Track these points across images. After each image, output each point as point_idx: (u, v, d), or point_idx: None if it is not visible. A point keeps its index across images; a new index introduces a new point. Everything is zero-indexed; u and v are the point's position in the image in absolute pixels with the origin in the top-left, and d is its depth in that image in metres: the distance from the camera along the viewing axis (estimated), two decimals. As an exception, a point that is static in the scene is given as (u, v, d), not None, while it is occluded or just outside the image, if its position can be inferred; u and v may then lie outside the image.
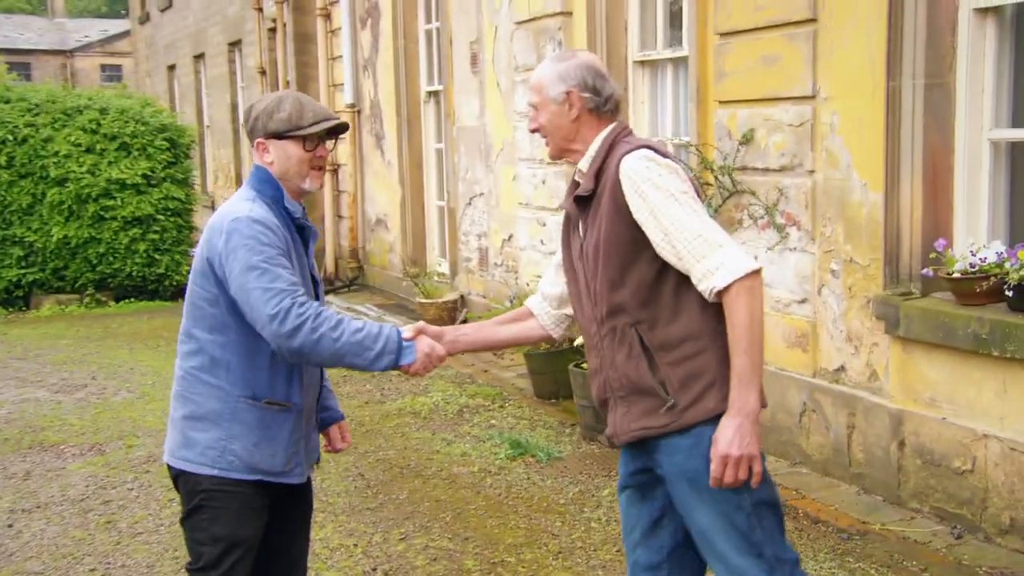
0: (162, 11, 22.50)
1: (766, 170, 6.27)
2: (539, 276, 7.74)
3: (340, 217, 13.56)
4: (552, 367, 7.52)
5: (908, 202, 5.27)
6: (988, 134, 5.11)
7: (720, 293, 2.78)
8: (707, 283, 2.79)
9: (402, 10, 11.65)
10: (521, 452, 6.32)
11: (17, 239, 12.45)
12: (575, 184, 3.10)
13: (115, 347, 10.13)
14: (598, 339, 2.99)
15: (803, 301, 5.96)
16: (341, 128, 3.16)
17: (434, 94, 11.49)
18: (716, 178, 6.59)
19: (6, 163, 12.39)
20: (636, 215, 2.86)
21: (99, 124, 12.81)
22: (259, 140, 3.08)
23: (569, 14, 8.26)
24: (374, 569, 4.71)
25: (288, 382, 3.10)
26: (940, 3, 5.10)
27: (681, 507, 2.94)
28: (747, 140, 6.37)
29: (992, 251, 4.87)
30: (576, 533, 5.07)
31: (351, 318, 2.98)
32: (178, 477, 3.13)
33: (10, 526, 5.38)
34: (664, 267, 2.89)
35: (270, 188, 3.09)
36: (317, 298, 3.19)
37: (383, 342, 2.93)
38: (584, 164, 3.02)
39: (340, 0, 12.86)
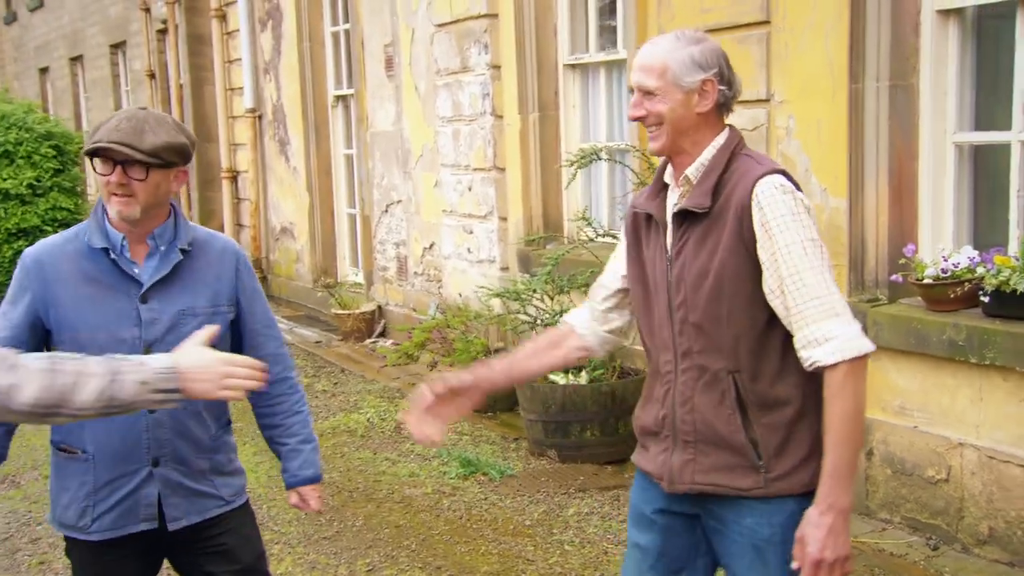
0: (32, 11, 21.55)
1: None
2: (484, 288, 7.58)
3: (241, 226, 13.13)
4: (488, 380, 7.32)
5: (873, 207, 5.23)
6: (952, 137, 5.11)
7: (824, 369, 2.44)
8: (810, 352, 2.44)
9: (306, 11, 11.32)
10: (472, 470, 6.12)
11: None
12: (660, 186, 2.69)
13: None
14: (672, 371, 2.60)
15: (762, 308, 5.90)
16: (116, 155, 2.68)
17: (343, 98, 11.19)
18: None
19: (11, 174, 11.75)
20: (760, 250, 2.47)
21: (-22, 131, 12.13)
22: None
23: (495, 16, 8.09)
24: (347, 605, 4.46)
25: (80, 424, 2.72)
26: (903, 5, 5.07)
27: (735, 567, 2.63)
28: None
29: (964, 256, 4.86)
30: (552, 558, 4.89)
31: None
32: None
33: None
34: (775, 315, 2.52)
35: (93, 215, 2.86)
36: (144, 342, 2.80)
37: None
38: (693, 172, 2.58)
39: (237, 1, 12.44)
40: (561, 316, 6.54)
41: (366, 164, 10.37)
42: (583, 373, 6.56)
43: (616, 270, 2.85)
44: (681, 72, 2.51)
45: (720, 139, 2.60)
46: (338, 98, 11.27)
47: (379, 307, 10.19)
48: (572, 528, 5.27)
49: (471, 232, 8.57)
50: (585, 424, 6.37)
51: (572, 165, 6.73)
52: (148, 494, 2.85)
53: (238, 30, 12.52)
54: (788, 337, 2.51)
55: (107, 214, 2.80)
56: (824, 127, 5.43)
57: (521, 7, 7.80)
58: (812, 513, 2.44)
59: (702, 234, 2.54)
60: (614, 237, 7.00)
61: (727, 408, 2.52)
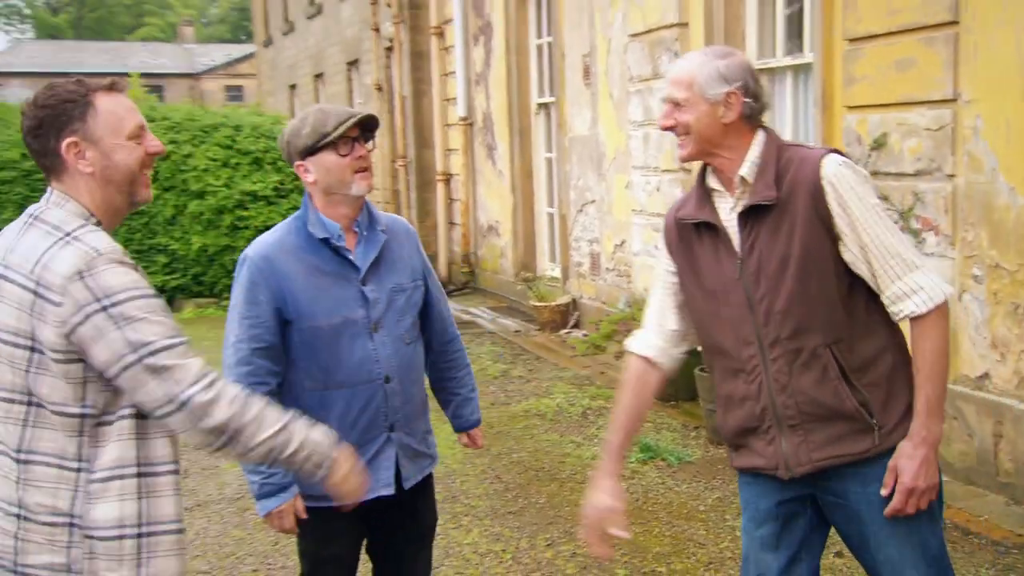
0: (284, 35, 22.55)
1: (900, 175, 5.77)
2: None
3: (452, 224, 13.28)
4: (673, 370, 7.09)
5: (1062, 206, 4.74)
6: None
7: (915, 318, 2.44)
8: (901, 306, 2.45)
9: (514, 26, 11.32)
10: (651, 456, 5.91)
11: (161, 247, 12.45)
12: (705, 194, 2.60)
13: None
14: (759, 363, 2.50)
15: (943, 307, 5.46)
16: (370, 122, 2.78)
17: (545, 106, 11.13)
18: (844, 183, 6.10)
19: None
20: (837, 223, 2.44)
21: (234, 140, 12.75)
22: (297, 164, 2.77)
23: (685, 25, 7.83)
24: (526, 576, 4.35)
25: (322, 400, 2.84)
26: (1100, 1, 4.57)
27: (866, 537, 2.52)
28: (879, 145, 5.88)
29: None
30: (723, 543, 4.64)
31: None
32: None
33: (171, 523, 5.16)
34: (854, 281, 2.49)
35: (302, 210, 2.84)
36: (371, 319, 2.83)
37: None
38: (748, 172, 2.51)
39: (454, 19, 12.59)
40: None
41: (564, 167, 10.28)
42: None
43: (669, 287, 2.72)
44: (707, 85, 2.49)
45: (759, 138, 2.55)
46: (540, 106, 11.22)
47: (573, 300, 10.08)
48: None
49: (658, 230, 8.31)
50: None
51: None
52: (387, 457, 2.87)
53: (453, 45, 12.66)
54: (869, 298, 2.51)
55: (317, 208, 2.80)
56: (1013, 127, 4.95)
57: (711, 15, 7.53)
58: (906, 446, 2.45)
59: (774, 224, 2.49)
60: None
61: (831, 380, 2.47)
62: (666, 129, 2.57)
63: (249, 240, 11.83)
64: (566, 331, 9.80)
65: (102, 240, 2.11)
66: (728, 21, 7.48)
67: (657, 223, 8.36)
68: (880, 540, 2.49)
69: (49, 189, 2.18)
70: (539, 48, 11.18)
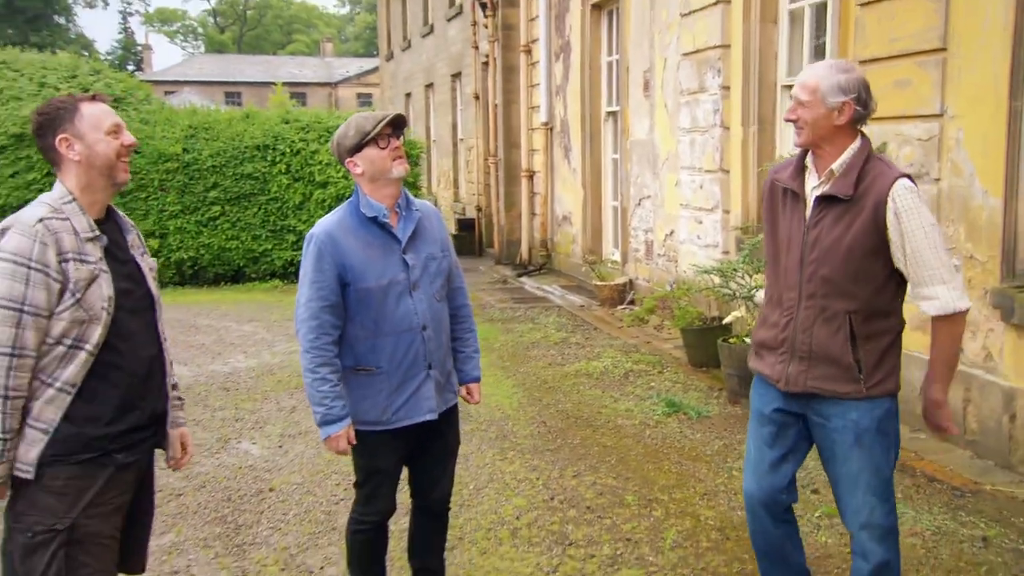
0: (403, 50, 23.04)
1: (895, 178, 5.86)
2: (694, 265, 7.57)
3: (534, 214, 13.57)
4: (704, 340, 7.28)
5: (1026, 207, 4.81)
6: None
7: (933, 318, 2.82)
8: (923, 305, 2.81)
9: (589, 46, 11.51)
10: (675, 410, 6.14)
11: (291, 228, 12.98)
12: (800, 169, 2.92)
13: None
14: (794, 306, 2.87)
15: (926, 291, 5.55)
16: (399, 120, 3.08)
17: (612, 114, 11.32)
18: (851, 185, 6.21)
19: (285, 170, 12.92)
20: (890, 232, 2.75)
21: (350, 139, 13.16)
22: (348, 160, 3.06)
23: (728, 46, 7.96)
24: (552, 498, 4.64)
25: (372, 347, 3.07)
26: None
27: (836, 452, 2.87)
28: (880, 152, 5.96)
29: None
30: (719, 479, 4.87)
31: (327, 377, 3.01)
32: None
33: (280, 447, 5.56)
34: (892, 274, 2.82)
35: (353, 199, 3.12)
36: (411, 281, 3.09)
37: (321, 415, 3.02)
38: (837, 168, 2.80)
39: (540, 39, 12.83)
40: (757, 291, 6.46)
41: (626, 166, 10.47)
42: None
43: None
44: (828, 93, 2.76)
45: (855, 144, 2.82)
46: (608, 114, 11.41)
47: (630, 280, 10.29)
48: (742, 458, 5.20)
49: (701, 222, 8.50)
50: (773, 380, 6.22)
51: (763, 171, 6.55)
52: (427, 390, 3.13)
53: (539, 61, 12.90)
54: (899, 287, 2.84)
55: (366, 194, 3.07)
56: (988, 139, 5.03)
57: (748, 39, 7.65)
58: (933, 392, 2.89)
59: (840, 213, 2.79)
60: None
61: (841, 337, 2.80)
62: (789, 121, 2.86)
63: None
64: (622, 307, 10.02)
65: (35, 211, 2.43)
66: (762, 44, 7.59)
67: (700, 216, 8.53)
68: (846, 455, 2.85)
69: None
70: (609, 64, 11.37)
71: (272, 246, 12.94)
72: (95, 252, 2.47)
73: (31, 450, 2.39)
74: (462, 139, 18.10)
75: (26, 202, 12.55)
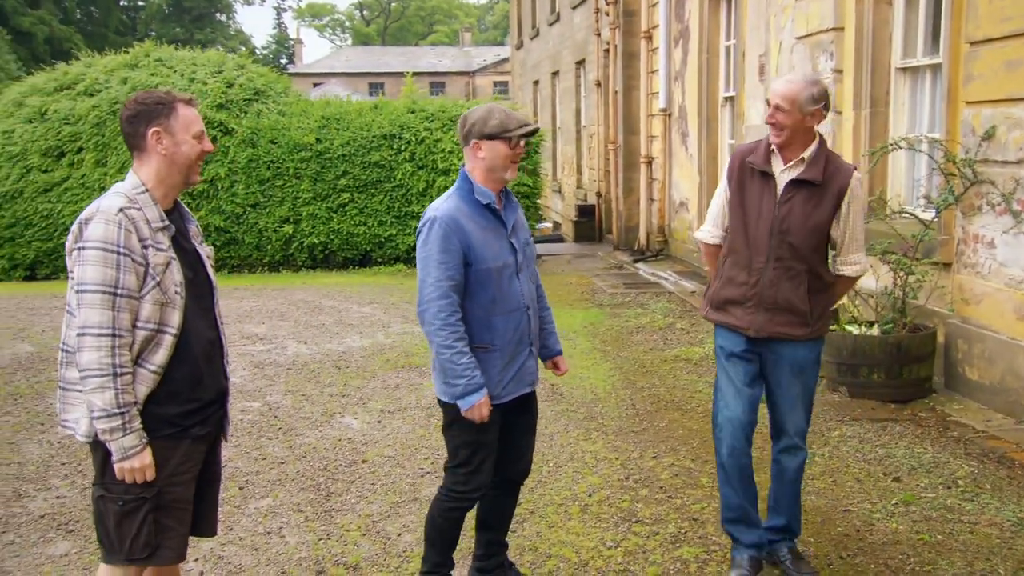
0: (532, 39, 23.25)
1: (1004, 163, 5.63)
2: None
3: (652, 200, 13.51)
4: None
5: None
6: None
7: (846, 277, 3.61)
8: (843, 268, 3.59)
9: (707, 31, 11.37)
10: (769, 396, 6.08)
11: (414, 214, 13.39)
12: (768, 157, 3.47)
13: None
14: (763, 267, 3.47)
15: (1030, 280, 5.33)
16: (535, 132, 3.23)
17: (729, 99, 11.15)
18: (959, 169, 6.00)
19: (410, 157, 13.34)
20: (842, 211, 3.47)
21: (473, 127, 13.45)
22: (475, 141, 3.16)
23: (841, 29, 7.74)
24: (627, 478, 4.73)
25: (487, 326, 3.18)
26: None
27: (783, 380, 3.56)
28: (988, 136, 5.74)
29: None
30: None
31: (464, 350, 3.10)
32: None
33: (379, 422, 5.83)
34: (829, 240, 3.52)
35: (464, 184, 3.21)
36: (517, 264, 3.23)
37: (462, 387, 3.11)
38: (808, 155, 3.42)
39: (659, 24, 12.75)
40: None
41: (740, 152, 10.29)
42: (875, 327, 6.25)
43: (724, 203, 3.63)
44: (804, 104, 3.37)
45: (816, 139, 3.46)
46: (725, 99, 11.24)
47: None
48: (830, 445, 5.14)
49: (868, 223, 8.30)
50: (872, 368, 6.08)
51: (873, 154, 6.39)
52: (530, 364, 3.34)
53: (658, 47, 12.83)
54: (827, 256, 3.56)
55: (473, 185, 3.20)
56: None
57: (862, 20, 7.43)
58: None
59: (808, 195, 3.43)
60: (912, 215, 6.56)
61: (801, 290, 3.47)
62: (770, 124, 3.42)
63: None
64: (734, 293, 9.89)
65: (115, 201, 2.58)
66: (876, 25, 7.36)
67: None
68: (791, 383, 3.57)
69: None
70: (727, 49, 11.20)
71: (396, 231, 13.40)
72: (165, 240, 2.66)
73: None
74: (585, 126, 18.15)
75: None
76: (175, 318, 2.64)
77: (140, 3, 59.32)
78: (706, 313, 3.68)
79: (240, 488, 4.67)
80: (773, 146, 3.45)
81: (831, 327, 6.46)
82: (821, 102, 3.36)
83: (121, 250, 2.55)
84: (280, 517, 4.31)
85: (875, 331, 6.22)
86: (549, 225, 19.94)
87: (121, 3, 56.73)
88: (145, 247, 2.60)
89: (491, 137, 3.13)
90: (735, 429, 3.58)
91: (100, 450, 2.64)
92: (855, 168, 3.50)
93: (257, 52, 66.43)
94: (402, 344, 8.05)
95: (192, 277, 2.74)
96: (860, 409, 5.83)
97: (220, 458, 2.99)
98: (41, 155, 13.45)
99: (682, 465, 4.89)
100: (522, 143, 3.19)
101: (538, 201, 14.16)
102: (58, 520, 4.29)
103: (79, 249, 2.55)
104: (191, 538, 2.85)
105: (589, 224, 16.05)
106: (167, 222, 2.69)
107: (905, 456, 4.95)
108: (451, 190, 3.26)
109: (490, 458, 3.29)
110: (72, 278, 2.58)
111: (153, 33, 54.69)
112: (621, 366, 7.11)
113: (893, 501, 4.34)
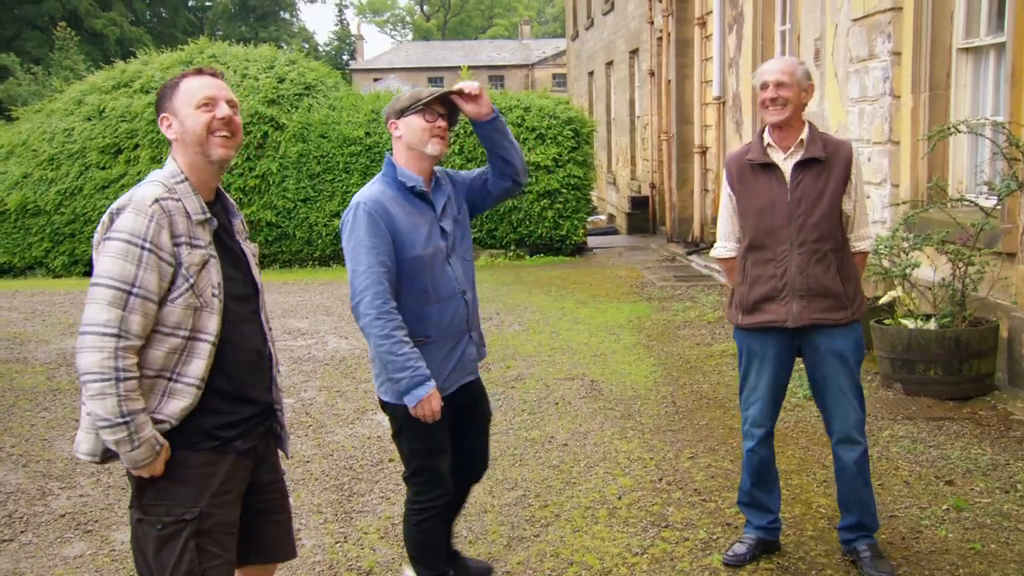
0: (586, 29, 22.98)
1: (1069, 145, 5.26)
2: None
3: (706, 191, 13.18)
4: (860, 322, 6.83)
5: None
6: None
7: (861, 253, 3.58)
8: (858, 244, 3.55)
9: (761, 16, 11.01)
10: (818, 394, 5.80)
11: (462, 207, 13.30)
12: (763, 149, 3.48)
13: (519, 291, 10.49)
14: (788, 255, 3.42)
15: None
16: (452, 105, 3.09)
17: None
18: (1023, 153, 5.63)
19: (459, 150, 13.24)
20: (852, 181, 3.48)
21: (523, 119, 13.30)
22: (392, 122, 3.06)
23: (899, 9, 7.37)
24: (660, 479, 4.52)
25: (422, 319, 3.04)
26: None
27: (828, 372, 3.48)
28: (1054, 120, 5.37)
29: None
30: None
31: (404, 339, 2.93)
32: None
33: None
34: (843, 214, 3.50)
35: (389, 170, 3.09)
36: (448, 247, 3.08)
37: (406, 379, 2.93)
38: (806, 137, 3.45)
39: (714, 10, 12.40)
40: (911, 269, 5.97)
41: (795, 140, 9.94)
42: (932, 320, 5.92)
43: (732, 209, 3.60)
44: (801, 78, 3.45)
45: (806, 123, 3.49)
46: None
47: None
48: (879, 445, 4.86)
49: (868, 196, 7.94)
50: (929, 364, 5.76)
51: (930, 138, 6.04)
52: (469, 353, 3.19)
53: (712, 34, 12.49)
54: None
55: (400, 165, 3.07)
56: None
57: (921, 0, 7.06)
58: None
59: (816, 173, 3.44)
60: (972, 203, 6.18)
61: (832, 272, 3.43)
62: (773, 99, 3.40)
63: (531, 203, 12.36)
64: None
65: (151, 190, 2.32)
66: (936, 5, 6.99)
67: (868, 190, 7.99)
68: (836, 373, 3.48)
69: None
70: (782, 34, 10.82)
71: (446, 225, 13.31)
72: (205, 236, 2.38)
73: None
74: (639, 116, 17.84)
75: (228, 187, 13.49)
76: (212, 323, 2.35)
77: (207, 3, 60.41)
78: (738, 320, 3.57)
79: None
80: (768, 138, 3.48)
81: (886, 321, 6.16)
82: (810, 79, 3.48)
83: (147, 245, 2.27)
84: (299, 519, 4.21)
85: (932, 325, 5.89)
86: (603, 217, 19.68)
87: (189, 3, 57.86)
88: (178, 244, 2.31)
89: (404, 112, 3.04)
90: (763, 434, 3.62)
91: None
92: (850, 141, 3.63)
93: (319, 49, 67.18)
94: (443, 339, 7.90)
95: (233, 278, 2.45)
96: (915, 407, 5.52)
97: (281, 477, 2.65)
98: (99, 152, 13.69)
99: (719, 466, 4.67)
100: (442, 119, 3.04)
101: (590, 193, 13.94)
102: (78, 519, 4.25)
103: (105, 239, 2.29)
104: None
105: (642, 216, 15.77)
106: (208, 214, 2.41)
107: (960, 458, 4.64)
108: (376, 177, 3.12)
109: (446, 459, 3.13)
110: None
111: (220, 32, 55.69)
112: (665, 361, 6.88)
113: (944, 506, 4.06)
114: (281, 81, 13.85)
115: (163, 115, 2.44)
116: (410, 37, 73.83)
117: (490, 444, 3.49)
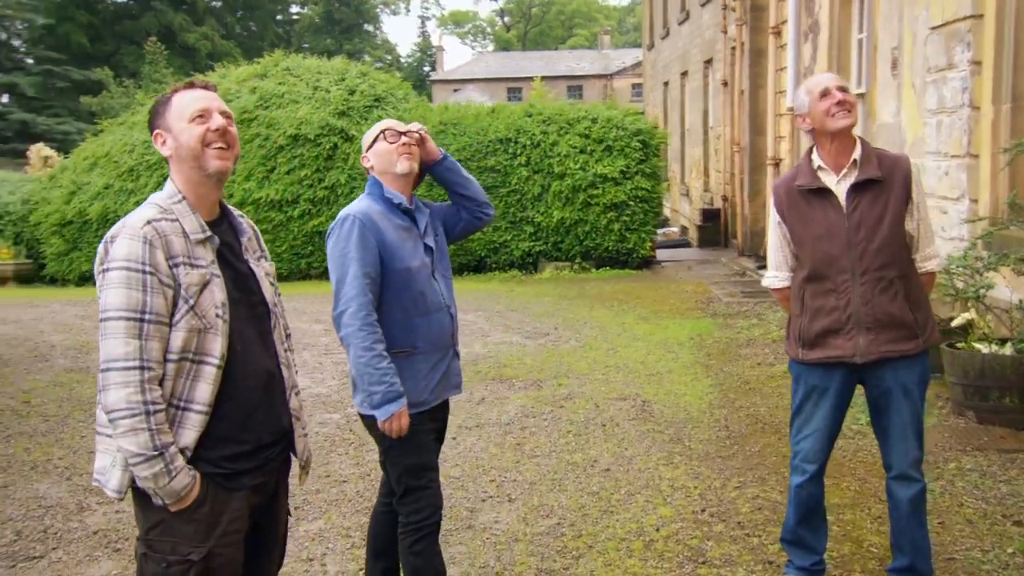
0: (662, 39, 22.68)
1: None
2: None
3: (780, 204, 12.79)
4: (932, 345, 6.47)
5: None
6: None
7: (930, 273, 3.34)
8: (926, 264, 3.32)
9: (838, 24, 10.63)
10: (882, 421, 5.49)
11: (528, 219, 13.20)
12: (814, 172, 3.28)
13: (581, 305, 10.33)
14: (850, 285, 3.20)
15: None
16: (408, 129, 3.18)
17: (859, 96, 10.36)
18: (1109, 169, 5.25)
19: (525, 162, 13.14)
20: (913, 198, 3.24)
21: (590, 131, 13.14)
22: (363, 156, 3.19)
23: (980, 17, 7.01)
24: (703, 510, 4.31)
25: (409, 329, 3.06)
26: None
27: (892, 405, 3.25)
28: None
29: None
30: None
31: (383, 353, 2.93)
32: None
33: (453, 438, 5.55)
34: (906, 234, 3.26)
35: (374, 187, 3.14)
36: (433, 264, 3.14)
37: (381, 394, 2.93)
38: (859, 157, 3.24)
39: (789, 19, 12.04)
40: (986, 289, 5.62)
41: (870, 152, 9.55)
42: (1008, 345, 5.56)
43: (784, 237, 3.36)
44: (852, 89, 3.25)
45: (858, 140, 3.29)
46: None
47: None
48: (944, 479, 4.56)
49: (945, 212, 7.57)
50: (1004, 391, 5.41)
51: (1007, 152, 5.69)
52: (455, 366, 3.23)
53: (787, 43, 12.12)
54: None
55: (382, 186, 3.13)
56: None
57: (1004, 6, 6.70)
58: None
59: (875, 194, 3.21)
60: (1054, 220, 5.80)
61: (899, 300, 3.21)
62: (844, 103, 3.22)
63: (598, 215, 12.19)
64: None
65: (144, 212, 2.26)
66: (1020, 12, 6.61)
67: (945, 206, 7.61)
68: (899, 407, 3.26)
69: None
70: (858, 43, 10.43)
71: (511, 237, 13.22)
72: (207, 255, 2.30)
73: None
74: (712, 127, 17.48)
75: (297, 198, 13.65)
76: (217, 345, 2.26)
77: (295, 17, 61.85)
78: (799, 355, 3.34)
79: (295, 507, 4.52)
80: (817, 159, 3.28)
81: (958, 345, 5.81)
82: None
83: (147, 268, 2.20)
84: (327, 542, 4.12)
85: (1008, 349, 5.53)
86: (675, 230, 19.34)
87: (277, 17, 59.31)
88: (174, 266, 2.24)
89: (372, 144, 3.16)
90: (816, 472, 3.41)
91: (142, 500, 2.27)
92: (906, 154, 3.35)
93: (401, 60, 68.08)
94: (497, 355, 7.81)
95: (240, 298, 2.37)
96: (987, 437, 5.18)
97: (285, 510, 2.55)
98: (176, 164, 14.00)
99: (767, 497, 4.43)
100: (402, 137, 3.11)
101: (660, 206, 13.67)
102: (109, 537, 4.24)
103: (104, 271, 2.22)
104: None
105: (714, 228, 15.43)
106: (208, 232, 2.33)
107: (1027, 497, 4.32)
108: (361, 195, 3.19)
109: (436, 476, 3.14)
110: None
111: (307, 45, 56.94)
112: (722, 382, 6.63)
113: (1009, 550, 3.76)
114: (352, 93, 13.97)
115: (157, 132, 2.38)
116: (491, 48, 74.32)
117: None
